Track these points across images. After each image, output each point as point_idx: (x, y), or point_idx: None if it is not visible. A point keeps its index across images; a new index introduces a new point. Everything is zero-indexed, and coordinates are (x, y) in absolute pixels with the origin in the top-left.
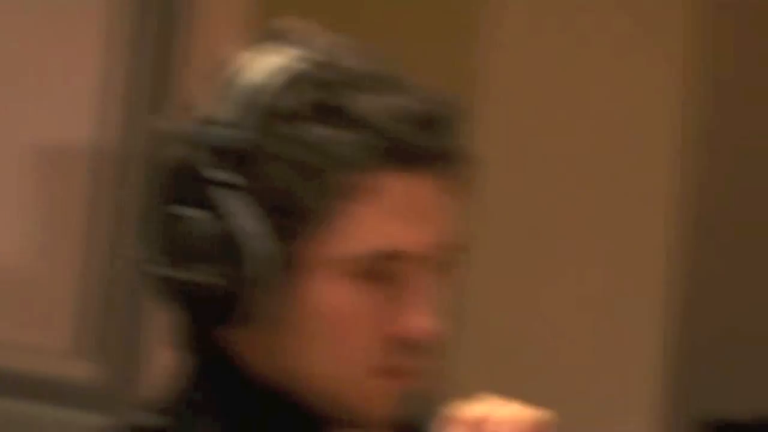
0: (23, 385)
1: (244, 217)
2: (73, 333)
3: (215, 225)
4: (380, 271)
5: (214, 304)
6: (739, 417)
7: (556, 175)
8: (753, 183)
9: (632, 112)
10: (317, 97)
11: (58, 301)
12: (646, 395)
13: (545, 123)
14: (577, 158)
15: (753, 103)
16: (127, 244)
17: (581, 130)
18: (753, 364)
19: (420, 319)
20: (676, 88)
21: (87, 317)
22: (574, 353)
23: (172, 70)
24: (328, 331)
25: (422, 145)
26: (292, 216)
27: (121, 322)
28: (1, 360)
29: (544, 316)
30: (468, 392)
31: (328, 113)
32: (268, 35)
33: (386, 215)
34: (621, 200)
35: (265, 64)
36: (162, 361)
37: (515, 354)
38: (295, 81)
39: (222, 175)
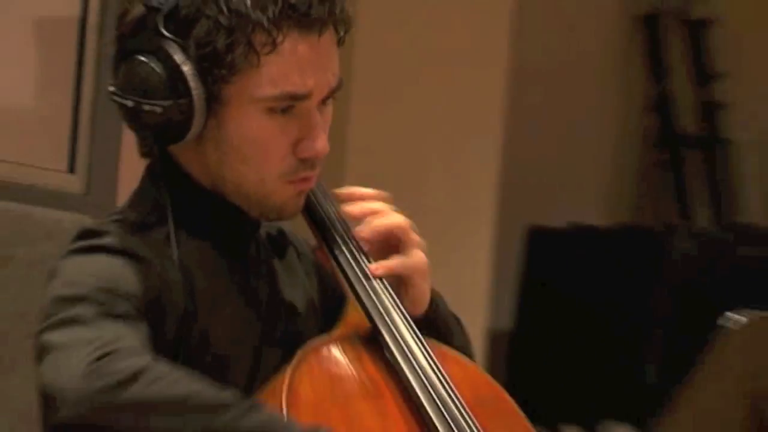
0: (26, 193)
1: (182, 63)
2: (68, 154)
3: (161, 68)
4: (287, 107)
5: (162, 127)
6: (553, 224)
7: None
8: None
9: None
10: None
11: (55, 131)
12: (484, 205)
13: None
14: None
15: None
16: (107, 85)
17: None
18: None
19: (317, 142)
20: None
21: (79, 143)
22: (431, 170)
23: None
24: (251, 151)
25: (314, 10)
26: (216, 64)
27: (106, 144)
28: (9, 174)
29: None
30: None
31: None
32: None
33: (292, 66)
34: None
35: None
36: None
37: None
38: None
39: (167, 32)
